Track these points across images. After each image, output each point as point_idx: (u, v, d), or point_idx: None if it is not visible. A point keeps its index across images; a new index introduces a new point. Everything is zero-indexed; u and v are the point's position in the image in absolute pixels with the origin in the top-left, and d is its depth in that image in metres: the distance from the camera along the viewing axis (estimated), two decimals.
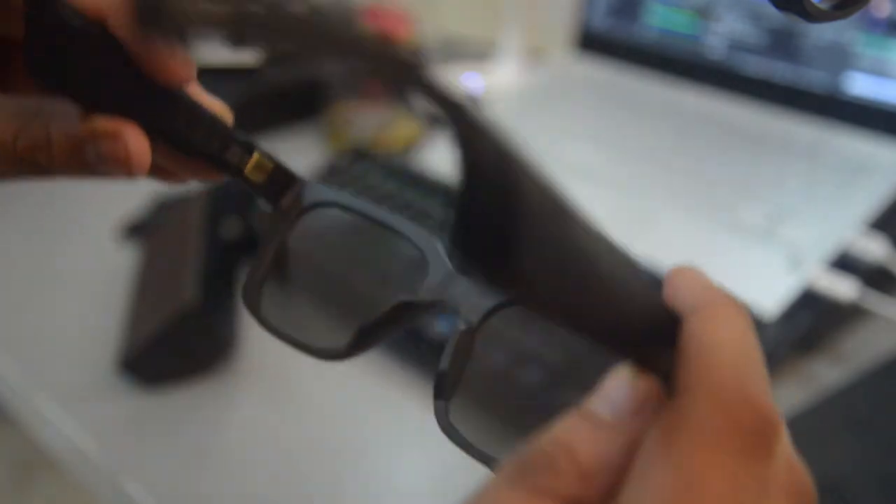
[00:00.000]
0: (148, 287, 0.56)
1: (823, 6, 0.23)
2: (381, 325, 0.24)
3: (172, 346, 0.50)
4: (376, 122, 0.78)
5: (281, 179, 0.28)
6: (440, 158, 0.68)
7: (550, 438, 0.16)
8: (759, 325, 0.49)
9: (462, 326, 0.22)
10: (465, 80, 0.87)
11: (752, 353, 0.16)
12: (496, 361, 0.22)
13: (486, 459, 0.21)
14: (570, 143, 0.70)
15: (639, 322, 0.16)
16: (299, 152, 0.78)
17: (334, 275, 0.29)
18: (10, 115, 0.22)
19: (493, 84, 0.86)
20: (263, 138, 0.81)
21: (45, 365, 0.52)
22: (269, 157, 0.27)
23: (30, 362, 0.52)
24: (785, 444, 0.17)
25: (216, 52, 0.79)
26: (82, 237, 0.66)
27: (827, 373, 0.51)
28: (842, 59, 0.64)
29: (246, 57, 0.79)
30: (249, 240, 0.64)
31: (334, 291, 0.28)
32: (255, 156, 0.27)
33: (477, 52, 0.93)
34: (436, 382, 0.22)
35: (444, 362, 0.22)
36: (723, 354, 0.15)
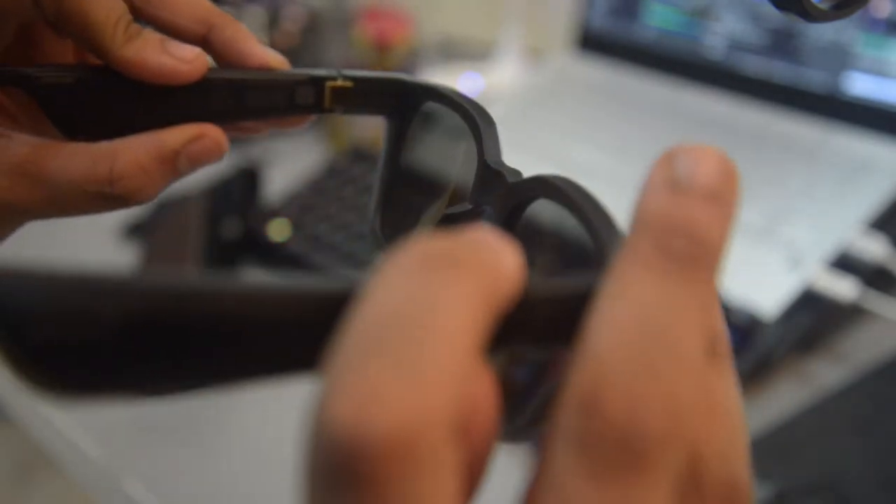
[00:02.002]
0: None
1: (823, 6, 0.23)
2: None
3: None
4: (376, 122, 0.78)
5: (376, 88, 0.26)
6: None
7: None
8: (759, 325, 0.50)
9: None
10: (465, 80, 0.87)
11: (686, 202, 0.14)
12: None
13: None
14: (570, 143, 0.70)
15: None
16: (299, 152, 0.78)
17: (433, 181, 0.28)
18: (93, 157, 0.22)
19: (493, 84, 0.86)
20: (264, 138, 0.81)
21: None
22: (345, 77, 0.26)
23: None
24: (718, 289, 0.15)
25: None
26: (82, 237, 0.66)
27: (827, 373, 0.51)
28: (842, 59, 0.64)
29: None
30: (249, 240, 0.64)
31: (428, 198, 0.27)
32: (328, 85, 0.25)
33: (477, 52, 0.93)
34: None
35: None
36: (652, 195, 0.14)
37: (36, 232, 0.70)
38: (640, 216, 0.14)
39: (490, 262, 0.13)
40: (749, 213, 0.58)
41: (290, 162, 0.75)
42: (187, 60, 0.23)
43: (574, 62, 0.81)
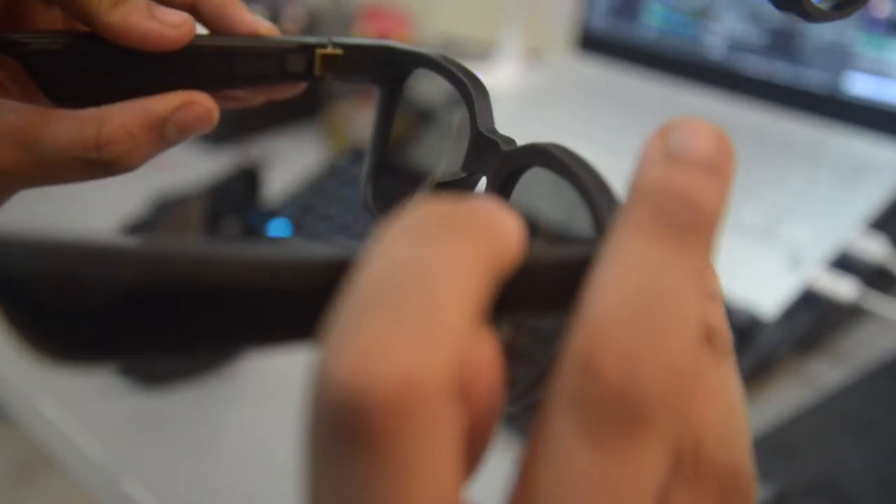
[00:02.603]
0: None
1: (823, 6, 0.23)
2: None
3: None
4: None
5: (365, 55, 0.26)
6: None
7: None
8: (759, 325, 0.49)
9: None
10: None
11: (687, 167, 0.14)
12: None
13: None
14: (570, 143, 0.69)
15: None
16: (299, 152, 0.78)
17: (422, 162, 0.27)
18: (80, 122, 0.22)
19: (493, 84, 0.86)
20: (264, 138, 0.81)
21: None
22: (335, 45, 0.26)
23: (30, 362, 0.52)
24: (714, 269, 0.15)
25: None
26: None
27: (827, 373, 0.51)
28: (842, 59, 0.64)
29: None
30: (249, 240, 0.64)
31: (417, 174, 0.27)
32: (318, 53, 0.25)
33: (477, 52, 0.93)
34: None
35: None
36: (650, 163, 0.14)
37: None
38: (637, 185, 0.14)
39: (491, 227, 0.13)
40: (749, 213, 0.58)
41: (290, 162, 0.75)
42: (174, 25, 0.23)
43: (574, 62, 0.81)
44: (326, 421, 0.11)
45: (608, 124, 0.72)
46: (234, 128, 0.80)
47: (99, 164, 0.23)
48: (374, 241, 0.12)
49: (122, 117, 0.23)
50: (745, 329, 0.49)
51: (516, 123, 0.74)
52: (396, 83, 0.26)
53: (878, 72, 0.63)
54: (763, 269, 0.53)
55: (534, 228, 0.19)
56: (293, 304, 0.13)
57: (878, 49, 0.62)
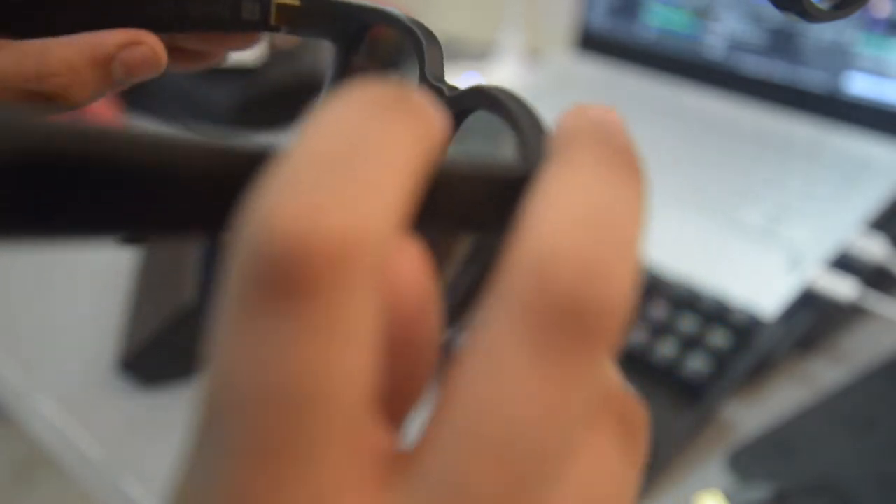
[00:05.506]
0: (148, 287, 0.56)
1: (823, 6, 0.23)
2: None
3: (172, 346, 0.50)
4: None
5: (323, 9, 0.25)
6: None
7: None
8: (759, 325, 0.49)
9: None
10: (465, 80, 0.87)
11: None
12: None
13: None
14: None
15: None
16: None
17: None
18: (23, 52, 0.22)
19: (493, 84, 0.86)
20: (264, 138, 0.81)
21: (45, 365, 0.52)
22: None
23: (30, 362, 0.52)
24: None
25: None
26: None
27: (827, 373, 0.51)
28: (842, 59, 0.64)
29: (246, 57, 0.79)
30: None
31: None
32: (274, 2, 0.25)
33: (477, 52, 0.93)
34: None
35: None
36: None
37: None
38: (574, 119, 0.15)
39: (427, 114, 0.13)
40: (749, 213, 0.58)
41: None
42: None
43: (574, 62, 0.81)
44: (255, 270, 0.10)
45: None
46: (235, 127, 0.80)
47: (42, 96, 0.22)
48: (314, 115, 0.12)
49: (64, 51, 0.22)
50: (745, 329, 0.49)
51: None
52: (353, 41, 0.25)
53: (878, 72, 0.63)
54: (763, 269, 0.53)
55: None
56: (205, 188, 0.12)
57: (878, 49, 0.62)
